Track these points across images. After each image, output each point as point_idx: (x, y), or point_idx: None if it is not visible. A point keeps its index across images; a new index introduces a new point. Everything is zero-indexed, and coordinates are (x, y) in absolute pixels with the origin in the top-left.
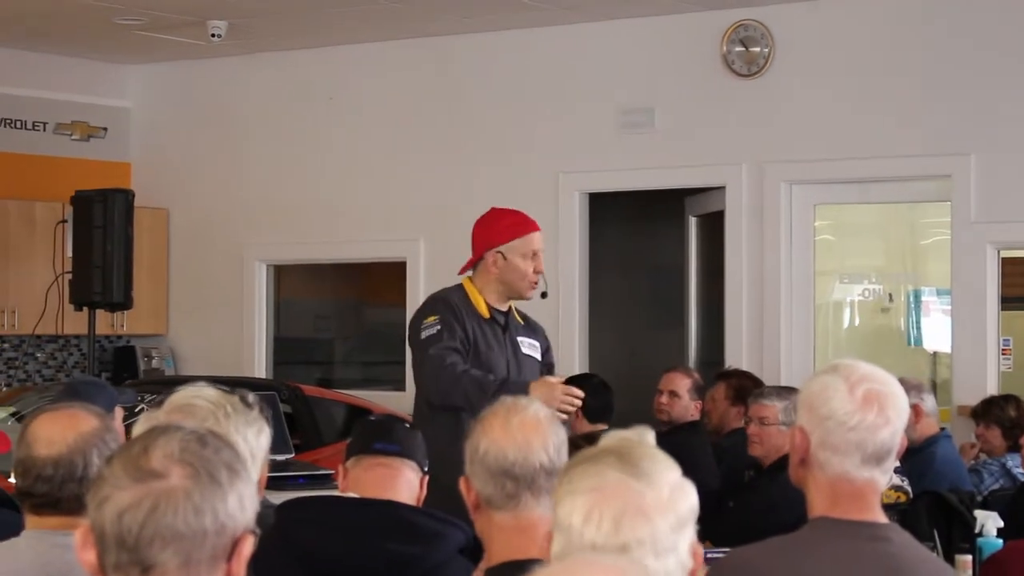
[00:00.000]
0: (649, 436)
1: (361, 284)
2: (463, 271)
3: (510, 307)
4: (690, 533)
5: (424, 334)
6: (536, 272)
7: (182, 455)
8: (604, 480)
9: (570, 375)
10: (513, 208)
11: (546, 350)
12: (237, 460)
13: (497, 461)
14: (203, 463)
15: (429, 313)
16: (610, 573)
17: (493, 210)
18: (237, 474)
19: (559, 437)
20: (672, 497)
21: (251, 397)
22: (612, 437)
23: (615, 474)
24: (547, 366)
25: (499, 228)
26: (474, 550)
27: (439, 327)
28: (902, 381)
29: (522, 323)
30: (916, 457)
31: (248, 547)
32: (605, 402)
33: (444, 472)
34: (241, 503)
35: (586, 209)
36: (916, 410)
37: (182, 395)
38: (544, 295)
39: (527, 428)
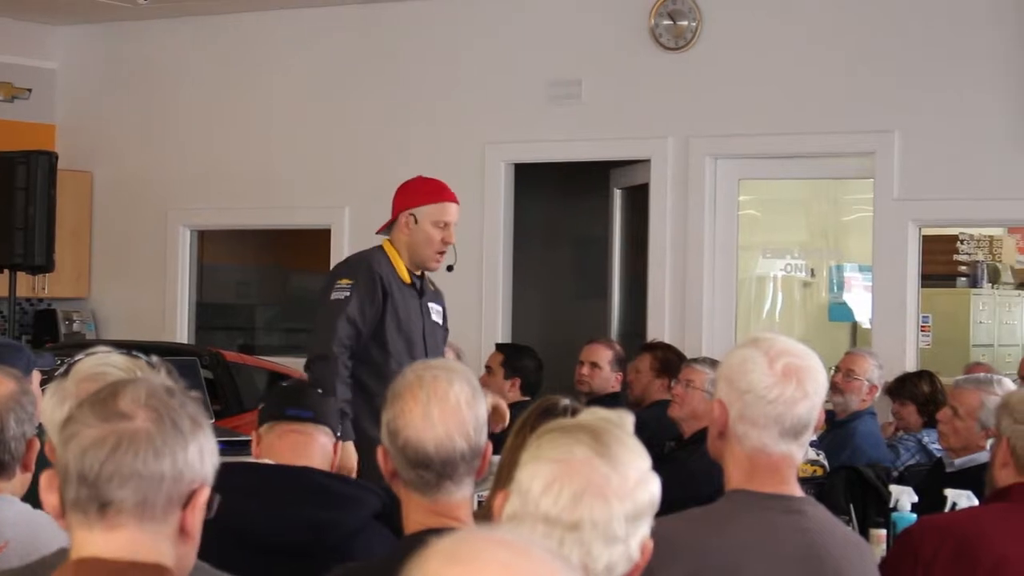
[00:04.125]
0: (628, 422)
1: (285, 251)
2: (380, 231)
3: (422, 272)
4: (644, 528)
5: (334, 295)
6: (444, 243)
7: (148, 400)
8: (572, 454)
9: (506, 344)
10: (438, 178)
11: (445, 317)
12: (201, 415)
13: (417, 454)
14: (168, 410)
15: (347, 275)
16: (513, 554)
17: (417, 176)
18: (200, 427)
19: (480, 416)
20: (636, 487)
21: (155, 359)
22: (591, 414)
23: (584, 451)
24: (445, 331)
25: (417, 191)
26: (390, 515)
27: (348, 293)
28: (869, 355)
29: (432, 289)
30: (837, 431)
31: (204, 498)
32: (539, 377)
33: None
34: (201, 455)
35: (512, 180)
36: (872, 390)
37: (89, 364)
38: (450, 268)
39: (448, 419)
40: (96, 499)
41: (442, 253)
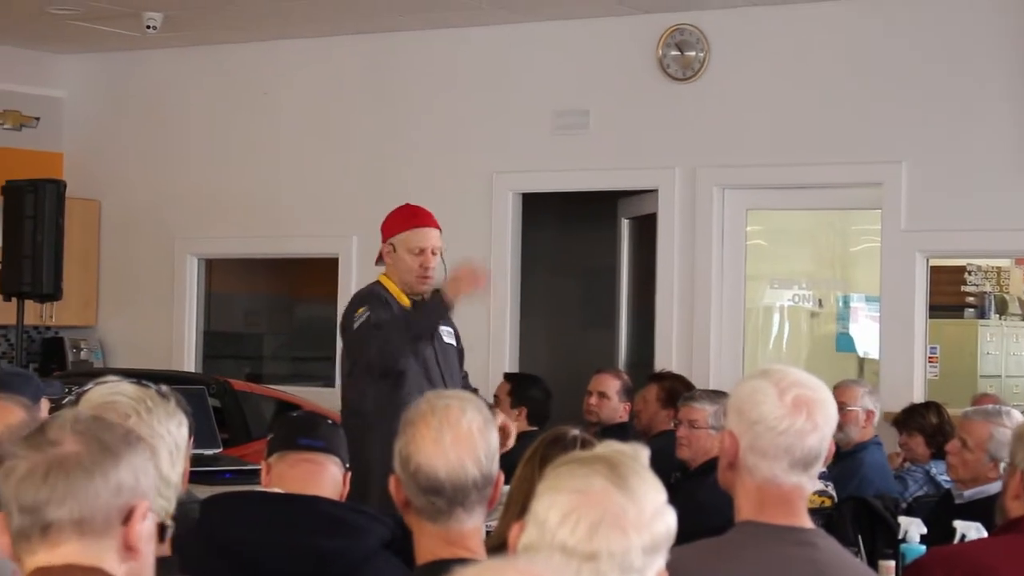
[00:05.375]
0: (644, 454)
1: (292, 279)
2: (376, 263)
3: (423, 297)
4: (661, 560)
5: (356, 323)
6: (423, 267)
7: (75, 426)
8: (590, 485)
9: (513, 373)
10: (422, 206)
11: (458, 336)
12: (133, 436)
13: (428, 480)
14: (95, 432)
15: (359, 306)
16: None
17: (402, 205)
18: (131, 446)
19: (492, 444)
20: (653, 519)
21: (165, 388)
22: (607, 447)
23: (602, 482)
24: (460, 351)
25: (394, 221)
26: (401, 543)
27: (368, 314)
28: (856, 384)
29: None
30: (845, 462)
31: (143, 512)
32: (547, 407)
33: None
34: (134, 473)
35: (519, 209)
36: (869, 416)
37: (99, 392)
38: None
39: (460, 445)
40: (38, 524)
41: (426, 277)
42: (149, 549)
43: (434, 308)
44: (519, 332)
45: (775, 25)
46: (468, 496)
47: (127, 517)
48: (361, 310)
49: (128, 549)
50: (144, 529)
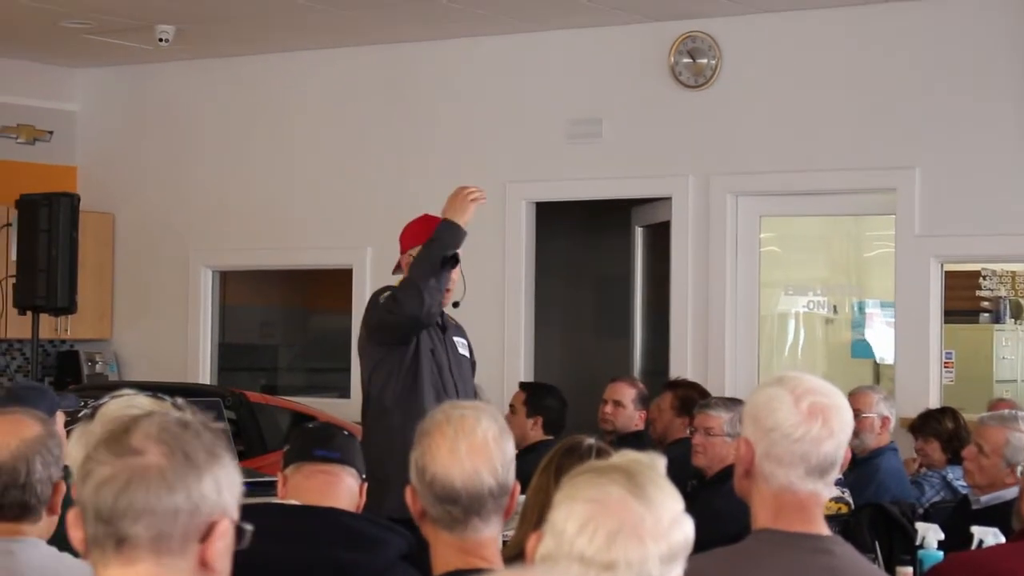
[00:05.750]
0: (660, 463)
1: (307, 291)
2: (394, 272)
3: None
4: (678, 569)
5: (383, 300)
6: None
7: (160, 435)
8: (607, 494)
9: (529, 382)
10: (437, 217)
11: (471, 349)
12: (218, 445)
13: (444, 489)
14: (180, 444)
15: (384, 292)
16: None
17: (421, 215)
18: (216, 458)
19: (508, 454)
20: (670, 528)
21: (180, 401)
22: (623, 456)
23: (619, 491)
24: (473, 363)
25: (412, 232)
26: (417, 555)
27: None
28: (872, 390)
29: (453, 323)
30: (861, 468)
31: (223, 530)
32: (563, 416)
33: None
34: (217, 486)
35: (533, 218)
36: (884, 422)
37: (115, 406)
38: (456, 304)
39: (475, 454)
40: (112, 535)
41: (446, 288)
42: (226, 566)
43: (447, 228)
44: (534, 341)
45: (787, 32)
46: (484, 505)
47: (206, 534)
48: (387, 293)
49: (204, 567)
50: (223, 546)
